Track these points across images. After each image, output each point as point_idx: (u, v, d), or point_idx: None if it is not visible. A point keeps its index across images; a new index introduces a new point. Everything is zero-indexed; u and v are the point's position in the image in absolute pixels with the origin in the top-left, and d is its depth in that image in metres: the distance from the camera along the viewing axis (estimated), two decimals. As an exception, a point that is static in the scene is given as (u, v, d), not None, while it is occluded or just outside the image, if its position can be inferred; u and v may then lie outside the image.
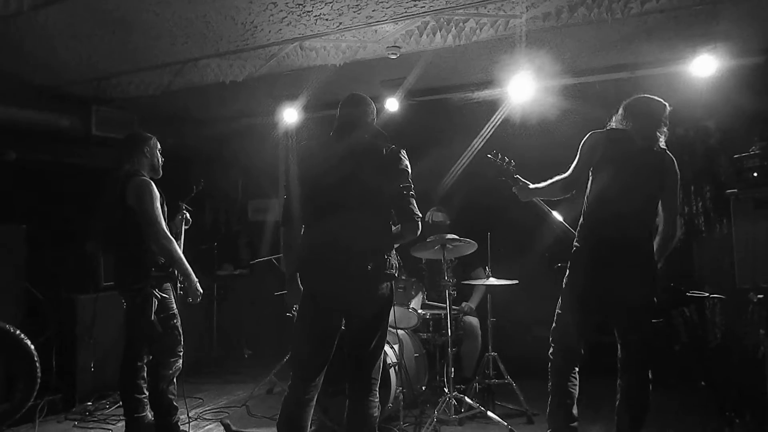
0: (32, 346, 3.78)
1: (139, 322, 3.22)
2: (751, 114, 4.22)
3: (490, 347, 4.20)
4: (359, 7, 3.25)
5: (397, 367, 3.75)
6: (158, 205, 3.21)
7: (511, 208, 4.04)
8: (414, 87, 4.65)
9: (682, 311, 4.20)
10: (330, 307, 2.66)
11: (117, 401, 4.21)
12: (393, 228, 2.72)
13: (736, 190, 3.80)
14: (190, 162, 6.04)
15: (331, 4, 3.21)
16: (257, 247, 6.46)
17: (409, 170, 2.70)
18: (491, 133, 4.84)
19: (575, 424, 3.00)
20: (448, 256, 4.00)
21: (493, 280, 4.08)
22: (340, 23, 3.48)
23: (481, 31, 3.53)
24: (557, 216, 3.66)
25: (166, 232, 3.19)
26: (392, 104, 4.70)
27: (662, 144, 3.00)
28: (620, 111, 3.08)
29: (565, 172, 3.06)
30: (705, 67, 3.96)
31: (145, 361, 3.37)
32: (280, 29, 3.57)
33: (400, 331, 3.96)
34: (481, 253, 4.16)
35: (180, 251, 3.25)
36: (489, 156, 3.38)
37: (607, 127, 3.10)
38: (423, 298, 4.46)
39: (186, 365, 3.43)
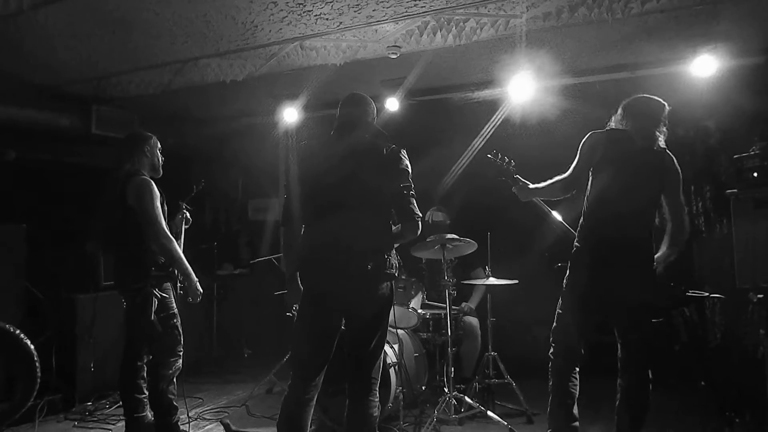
0: (32, 346, 3.78)
1: (139, 321, 3.22)
2: (751, 114, 4.22)
3: (489, 347, 4.20)
4: (359, 6, 3.25)
5: (397, 367, 3.75)
6: (158, 204, 3.21)
7: (511, 208, 4.03)
8: (414, 87, 4.64)
9: (682, 311, 4.20)
10: (330, 307, 2.65)
11: (117, 401, 4.21)
12: (393, 228, 2.72)
13: (736, 190, 3.81)
14: (191, 161, 6.05)
15: (331, 4, 3.21)
16: (257, 247, 6.47)
17: (410, 170, 2.70)
18: (491, 132, 4.84)
19: (576, 423, 3.00)
20: (448, 256, 4.00)
21: (493, 280, 4.08)
22: (341, 23, 3.48)
23: (481, 30, 3.53)
24: (557, 216, 3.67)
25: (166, 232, 3.18)
26: (392, 104, 4.69)
27: (662, 144, 3.00)
28: (619, 111, 3.08)
29: (565, 172, 3.06)
30: (705, 67, 3.96)
31: (145, 360, 3.36)
32: (281, 29, 3.57)
33: (400, 331, 3.96)
34: (481, 252, 4.16)
35: (180, 251, 3.25)
36: (489, 156, 3.37)
37: (607, 128, 3.10)
38: (423, 297, 4.46)
39: (186, 365, 3.42)
